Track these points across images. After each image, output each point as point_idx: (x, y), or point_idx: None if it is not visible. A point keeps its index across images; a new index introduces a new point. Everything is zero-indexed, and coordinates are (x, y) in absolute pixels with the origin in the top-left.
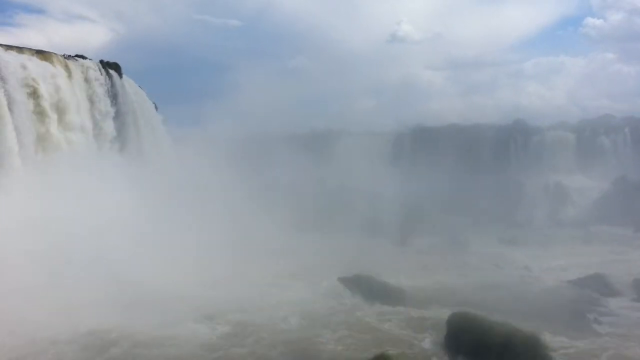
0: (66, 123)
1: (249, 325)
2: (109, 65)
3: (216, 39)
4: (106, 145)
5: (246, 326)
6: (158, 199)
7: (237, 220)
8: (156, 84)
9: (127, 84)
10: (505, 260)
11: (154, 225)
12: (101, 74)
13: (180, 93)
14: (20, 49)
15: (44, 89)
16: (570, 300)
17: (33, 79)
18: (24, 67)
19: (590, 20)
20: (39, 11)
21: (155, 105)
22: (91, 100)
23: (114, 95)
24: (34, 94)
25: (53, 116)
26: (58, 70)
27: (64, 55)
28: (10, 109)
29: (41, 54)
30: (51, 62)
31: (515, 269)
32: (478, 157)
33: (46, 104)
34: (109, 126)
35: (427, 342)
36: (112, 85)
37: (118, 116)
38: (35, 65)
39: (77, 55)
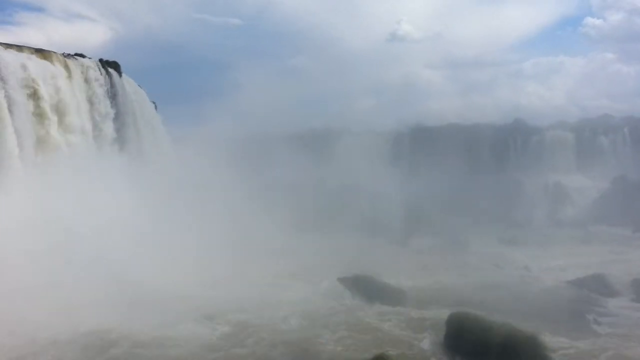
0: (66, 125)
1: (249, 326)
2: (108, 64)
3: (216, 38)
4: (106, 147)
5: (246, 326)
6: (158, 199)
7: (237, 220)
8: (156, 83)
9: (127, 83)
10: (505, 260)
11: (154, 225)
12: (101, 73)
13: (180, 92)
14: (19, 48)
15: (44, 90)
16: (569, 300)
17: (33, 80)
18: (24, 67)
19: (589, 20)
20: (39, 9)
21: (155, 105)
22: (91, 102)
23: (113, 96)
24: (34, 95)
25: (53, 118)
26: (58, 69)
27: (63, 53)
28: (10, 111)
29: (41, 52)
30: (51, 61)
31: (514, 269)
32: (477, 156)
33: (46, 105)
34: (109, 127)
35: (427, 342)
36: (112, 85)
37: (118, 116)
38: (35, 64)
39: (76, 54)
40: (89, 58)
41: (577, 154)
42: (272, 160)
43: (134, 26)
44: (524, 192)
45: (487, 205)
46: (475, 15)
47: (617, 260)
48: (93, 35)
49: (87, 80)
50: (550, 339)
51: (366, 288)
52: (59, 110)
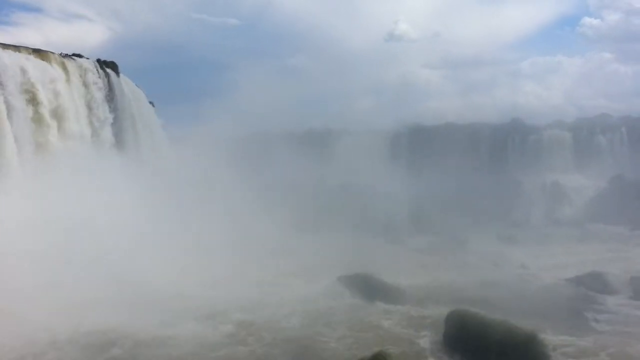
0: (65, 131)
1: (250, 325)
2: (106, 64)
3: (215, 38)
4: (105, 150)
5: (247, 325)
6: (158, 199)
7: (237, 220)
8: (154, 83)
9: (125, 83)
10: (504, 258)
11: (153, 225)
12: (99, 75)
13: (178, 92)
14: (17, 48)
15: (43, 95)
16: (568, 298)
17: (32, 84)
18: (23, 71)
19: (587, 20)
20: (36, 10)
21: (153, 104)
22: (89, 107)
23: (111, 98)
24: (33, 101)
25: (52, 124)
26: (56, 71)
27: (61, 54)
28: (9, 118)
29: (38, 52)
30: (48, 61)
31: (513, 268)
32: (476, 155)
33: (45, 111)
34: (107, 133)
35: (426, 340)
36: (110, 87)
37: (116, 121)
38: (33, 67)
39: (74, 54)
40: (87, 58)
41: (575, 153)
42: (271, 160)
43: (133, 26)
44: (522, 191)
45: (486, 204)
46: (473, 14)
47: (614, 258)
48: (91, 35)
49: (85, 84)
50: (548, 337)
51: (366, 287)
52: (58, 116)
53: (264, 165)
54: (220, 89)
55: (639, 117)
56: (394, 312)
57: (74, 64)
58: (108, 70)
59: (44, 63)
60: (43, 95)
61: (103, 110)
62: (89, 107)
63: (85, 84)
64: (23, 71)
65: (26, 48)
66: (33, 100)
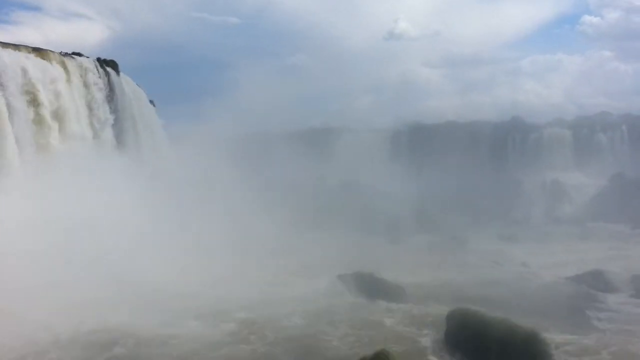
0: (66, 133)
1: (252, 323)
2: (106, 63)
3: (215, 37)
4: (105, 151)
5: (249, 324)
6: (158, 198)
7: (237, 219)
8: (155, 82)
9: (125, 82)
10: (504, 257)
11: (153, 225)
12: (99, 75)
13: (179, 91)
14: (16, 47)
15: (44, 96)
16: (568, 296)
17: (33, 85)
18: (24, 71)
19: (587, 18)
20: (36, 8)
21: (153, 103)
22: (90, 107)
23: (112, 98)
24: (34, 102)
25: (53, 125)
26: (57, 70)
27: (60, 52)
28: (10, 119)
29: (38, 51)
30: (48, 60)
31: (513, 266)
32: (476, 154)
33: (46, 112)
34: (108, 134)
35: (428, 338)
36: (111, 87)
37: (117, 122)
38: (34, 66)
39: (74, 53)
40: (87, 57)
41: (575, 151)
42: (271, 158)
43: (133, 25)
44: (522, 190)
45: (486, 202)
46: (473, 13)
47: (615, 256)
48: (90, 34)
49: (86, 85)
50: (549, 335)
51: (367, 285)
52: (59, 117)
53: (264, 165)
54: (221, 88)
55: (639, 115)
56: (395, 311)
57: (74, 63)
58: (108, 69)
59: (44, 62)
60: (44, 96)
61: (104, 111)
62: (90, 108)
63: (86, 84)
64: (24, 71)
65: (26, 47)
66: (34, 101)
